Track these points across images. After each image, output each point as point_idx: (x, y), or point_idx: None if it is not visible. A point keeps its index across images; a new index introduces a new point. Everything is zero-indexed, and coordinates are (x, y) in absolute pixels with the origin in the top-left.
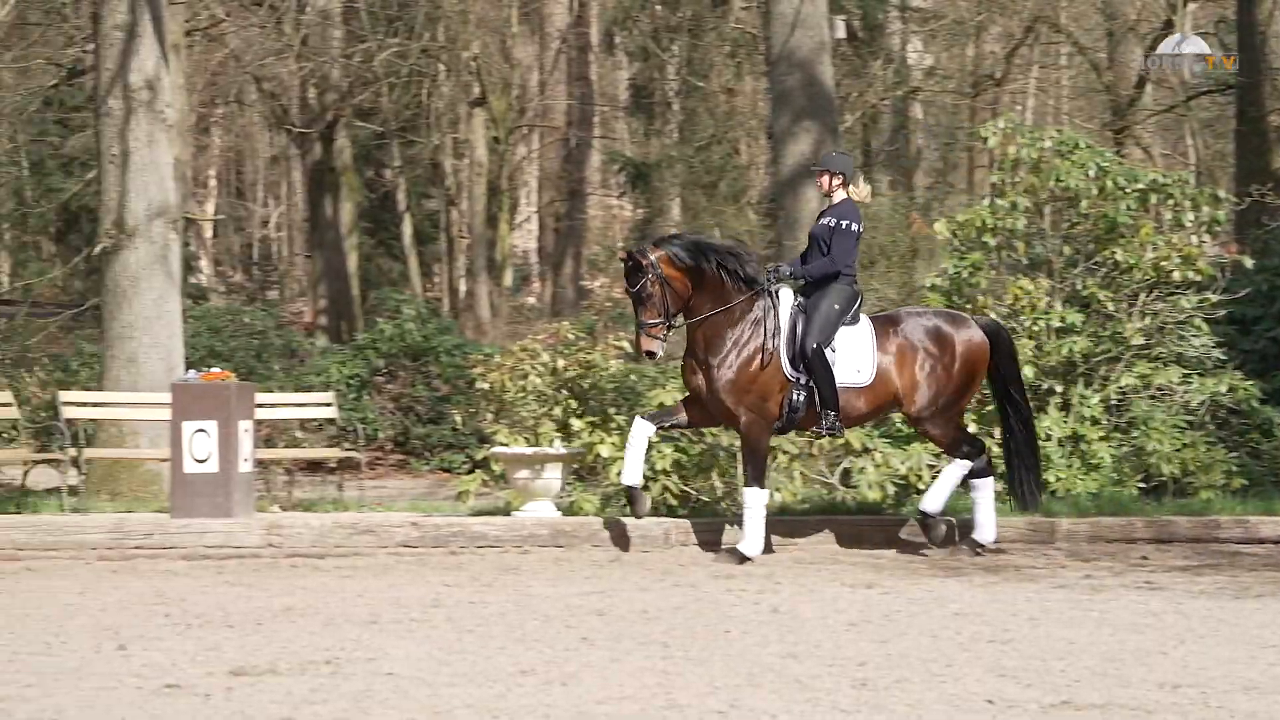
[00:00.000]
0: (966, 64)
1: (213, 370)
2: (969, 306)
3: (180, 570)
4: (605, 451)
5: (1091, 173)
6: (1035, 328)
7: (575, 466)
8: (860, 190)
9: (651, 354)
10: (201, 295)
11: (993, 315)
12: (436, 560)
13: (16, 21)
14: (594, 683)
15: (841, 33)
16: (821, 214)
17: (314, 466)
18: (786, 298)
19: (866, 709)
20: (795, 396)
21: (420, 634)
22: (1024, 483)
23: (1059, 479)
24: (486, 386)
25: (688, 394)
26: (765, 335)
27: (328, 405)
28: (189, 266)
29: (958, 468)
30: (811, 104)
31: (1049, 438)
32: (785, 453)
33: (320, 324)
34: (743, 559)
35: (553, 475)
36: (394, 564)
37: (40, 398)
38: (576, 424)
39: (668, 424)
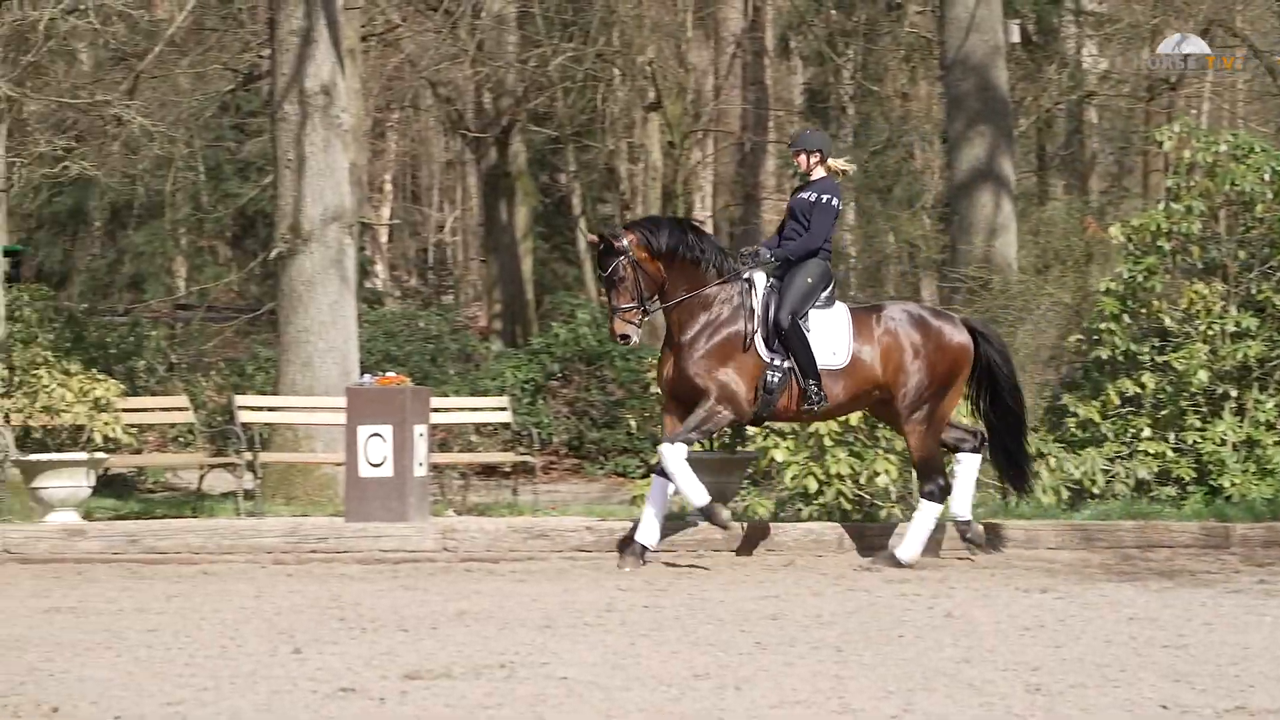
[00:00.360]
0: (1141, 68)
1: (388, 374)
2: (1143, 311)
3: (355, 574)
4: (780, 456)
5: (1266, 176)
6: (1210, 332)
7: (749, 471)
8: (839, 164)
9: (625, 338)
10: (377, 299)
11: (1167, 320)
12: (611, 564)
13: (194, 27)
14: (768, 687)
15: (1016, 37)
16: (799, 189)
17: (489, 471)
18: (760, 282)
19: (1040, 713)
20: (770, 377)
21: (594, 638)
22: (1013, 470)
23: (1233, 484)
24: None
25: (665, 400)
26: (742, 319)
27: (502, 410)
28: (364, 271)
29: (930, 513)
30: (986, 108)
31: (1224, 442)
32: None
33: (495, 328)
34: (700, 513)
35: (727, 480)
36: (568, 568)
37: (216, 402)
38: (751, 428)
39: None
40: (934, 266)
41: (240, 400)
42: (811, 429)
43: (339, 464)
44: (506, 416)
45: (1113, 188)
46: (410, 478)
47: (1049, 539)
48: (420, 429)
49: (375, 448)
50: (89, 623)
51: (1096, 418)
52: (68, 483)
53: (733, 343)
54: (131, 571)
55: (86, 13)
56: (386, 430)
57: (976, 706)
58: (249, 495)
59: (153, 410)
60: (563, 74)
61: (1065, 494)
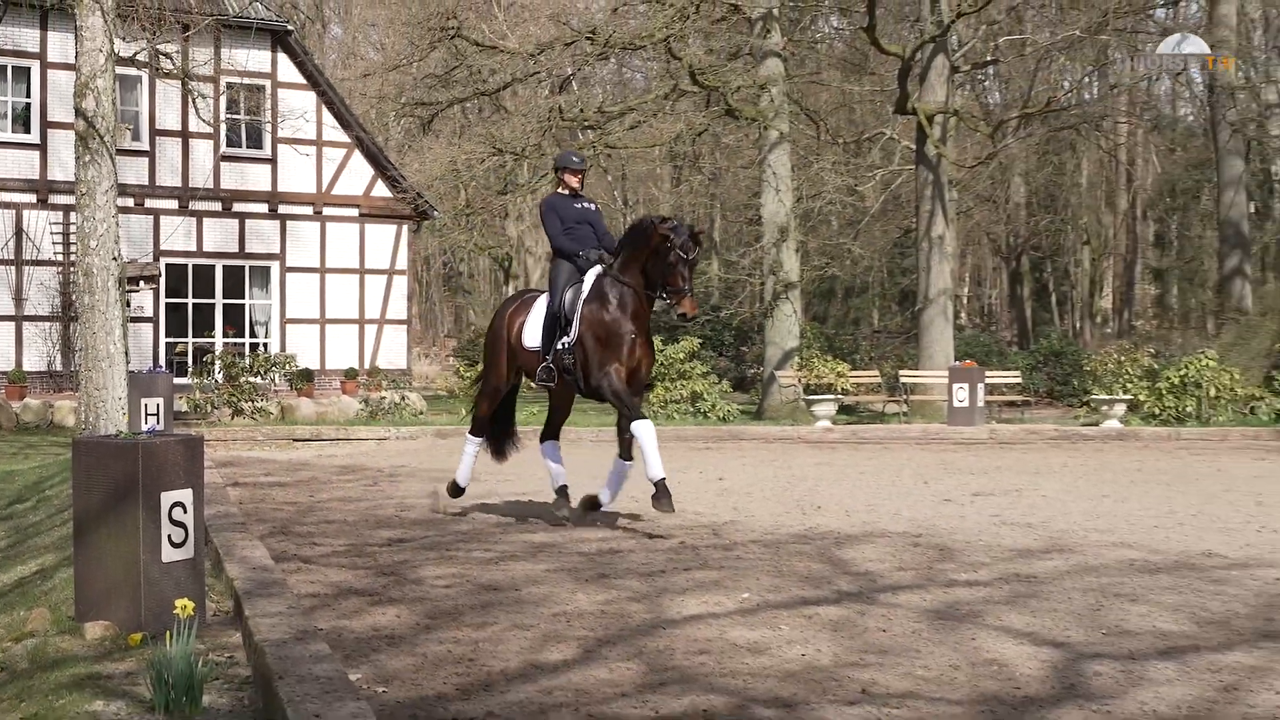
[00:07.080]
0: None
1: (966, 361)
2: None
3: (953, 449)
4: None
5: None
6: None
7: None
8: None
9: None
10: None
11: None
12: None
13: None
14: None
15: None
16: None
17: (1009, 404)
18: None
19: None
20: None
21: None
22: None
23: None
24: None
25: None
26: None
27: (1016, 376)
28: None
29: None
30: None
31: None
32: None
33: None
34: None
35: None
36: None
37: (891, 372)
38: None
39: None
40: None
41: (903, 372)
42: None
43: (944, 399)
44: (1017, 378)
45: None
46: (976, 406)
47: None
48: (981, 385)
49: (960, 393)
50: (834, 471)
51: None
52: (826, 409)
53: None
54: (853, 447)
55: None
56: (967, 386)
57: None
58: (905, 414)
59: (863, 377)
60: None
61: None
